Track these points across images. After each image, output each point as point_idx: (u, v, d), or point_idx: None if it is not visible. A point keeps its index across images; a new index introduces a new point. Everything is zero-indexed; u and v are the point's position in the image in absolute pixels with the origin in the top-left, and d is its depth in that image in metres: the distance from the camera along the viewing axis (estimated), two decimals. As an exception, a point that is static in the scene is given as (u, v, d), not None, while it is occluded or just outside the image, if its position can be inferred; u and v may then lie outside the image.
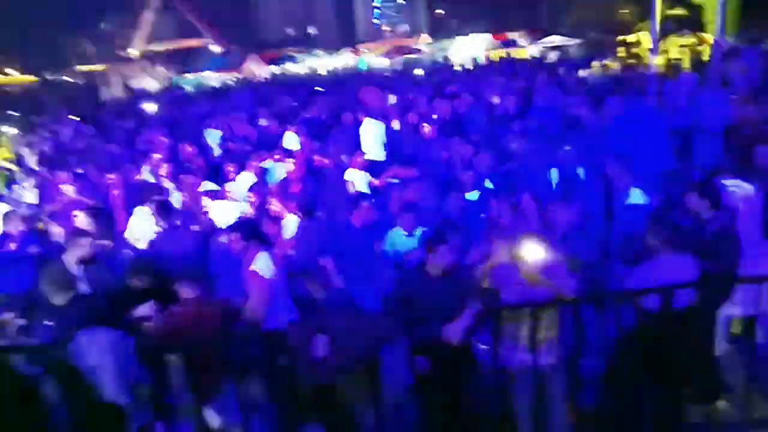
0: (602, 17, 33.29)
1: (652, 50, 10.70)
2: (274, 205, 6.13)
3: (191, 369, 3.68)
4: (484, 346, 3.90)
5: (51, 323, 3.96)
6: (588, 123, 8.47)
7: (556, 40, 29.89)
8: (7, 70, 36.87)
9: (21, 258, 5.75)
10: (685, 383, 3.67)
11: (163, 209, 5.73)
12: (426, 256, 3.83)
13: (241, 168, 7.83)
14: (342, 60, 38.18)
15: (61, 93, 27.26)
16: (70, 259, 4.77)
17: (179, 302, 3.98)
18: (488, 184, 6.29)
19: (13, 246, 5.97)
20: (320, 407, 3.83)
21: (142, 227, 6.24)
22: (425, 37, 41.32)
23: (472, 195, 6.10)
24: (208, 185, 7.28)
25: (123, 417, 3.72)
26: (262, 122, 12.03)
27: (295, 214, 5.82)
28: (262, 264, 4.37)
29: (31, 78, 33.77)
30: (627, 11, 32.96)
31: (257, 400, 4.15)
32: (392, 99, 13.61)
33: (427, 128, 8.64)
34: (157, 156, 8.70)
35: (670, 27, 19.31)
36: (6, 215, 6.38)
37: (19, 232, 6.11)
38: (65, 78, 35.28)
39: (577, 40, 29.25)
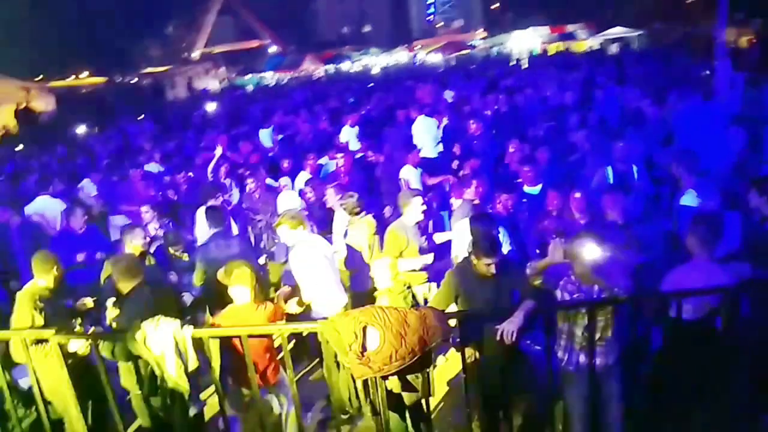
0: (667, 7, 31.93)
1: (717, 41, 10.19)
2: (329, 199, 6.23)
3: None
4: (537, 347, 3.85)
5: (118, 312, 4.19)
6: (650, 116, 8.20)
7: (617, 31, 28.89)
8: (80, 74, 38.99)
9: (88, 251, 6.09)
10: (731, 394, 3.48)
11: (213, 213, 5.91)
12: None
13: (298, 164, 8.00)
14: (396, 57, 38.26)
15: (128, 94, 28.54)
16: (129, 250, 5.02)
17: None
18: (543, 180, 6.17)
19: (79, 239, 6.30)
20: (370, 400, 3.89)
21: (201, 228, 6.47)
22: (480, 32, 40.79)
23: (533, 190, 6.00)
24: (269, 181, 7.48)
25: (184, 402, 3.90)
26: (318, 119, 12.24)
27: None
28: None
29: (101, 79, 35.47)
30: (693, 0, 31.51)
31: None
32: (448, 95, 13.57)
33: (473, 126, 8.52)
34: (217, 154, 8.98)
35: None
36: (73, 210, 6.72)
37: (85, 227, 6.44)
38: (132, 80, 36.88)
39: (640, 31, 28.20)
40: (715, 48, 10.23)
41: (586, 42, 29.16)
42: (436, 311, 3.80)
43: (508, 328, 3.31)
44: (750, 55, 16.63)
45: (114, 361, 4.08)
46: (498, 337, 3.34)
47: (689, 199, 4.95)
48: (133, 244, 5.07)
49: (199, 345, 3.72)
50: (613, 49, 23.51)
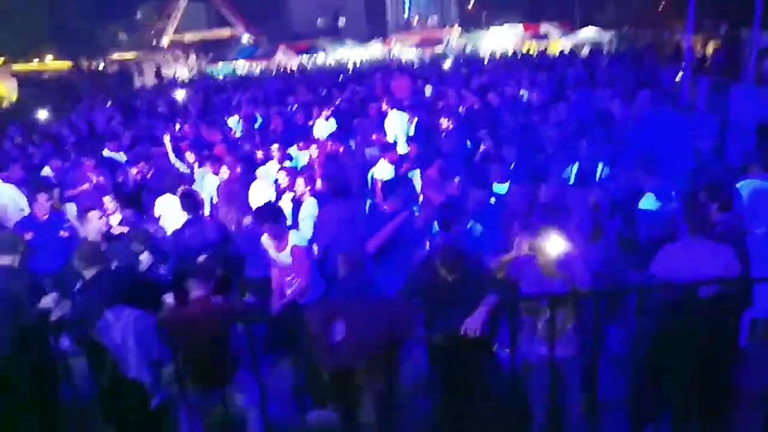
0: (638, 11, 32.53)
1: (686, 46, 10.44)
2: (298, 188, 6.25)
3: (200, 362, 3.75)
4: (505, 350, 3.87)
5: (80, 300, 4.09)
6: (618, 117, 8.34)
7: (590, 33, 29.32)
8: (44, 57, 37.79)
9: (51, 239, 5.96)
10: (704, 381, 3.61)
11: (188, 200, 5.84)
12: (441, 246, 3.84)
13: (269, 154, 7.96)
14: (371, 51, 38.14)
15: (95, 80, 27.83)
16: (89, 236, 4.93)
17: (188, 301, 4.04)
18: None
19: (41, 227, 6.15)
20: (336, 391, 3.89)
21: (169, 215, 6.40)
22: (456, 29, 40.94)
23: (501, 188, 6.07)
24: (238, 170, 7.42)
25: (144, 394, 3.83)
26: (290, 110, 12.15)
27: (314, 197, 5.98)
28: (298, 238, 4.79)
29: (66, 64, 34.48)
30: (663, 5, 32.18)
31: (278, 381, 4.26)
32: (428, 91, 13.60)
33: (445, 123, 8.60)
34: (185, 143, 8.85)
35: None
36: (36, 196, 6.55)
37: (47, 214, 6.29)
38: (99, 65, 35.95)
39: (612, 33, 28.67)
40: (682, 53, 10.48)
41: (558, 41, 29.51)
42: (403, 303, 3.83)
43: (472, 324, 3.35)
44: (715, 60, 17.11)
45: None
46: (462, 332, 3.38)
47: (648, 202, 5.07)
48: (92, 227, 4.98)
49: (162, 335, 3.66)
50: (585, 50, 23.85)
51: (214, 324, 3.88)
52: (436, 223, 4.97)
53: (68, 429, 4.00)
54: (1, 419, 3.66)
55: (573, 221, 4.43)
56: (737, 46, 15.53)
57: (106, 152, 9.28)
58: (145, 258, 5.01)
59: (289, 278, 4.91)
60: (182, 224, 5.75)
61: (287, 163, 7.75)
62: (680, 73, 10.20)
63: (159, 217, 6.60)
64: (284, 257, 4.89)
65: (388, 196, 6.78)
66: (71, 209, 7.15)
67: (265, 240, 5.02)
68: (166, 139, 8.67)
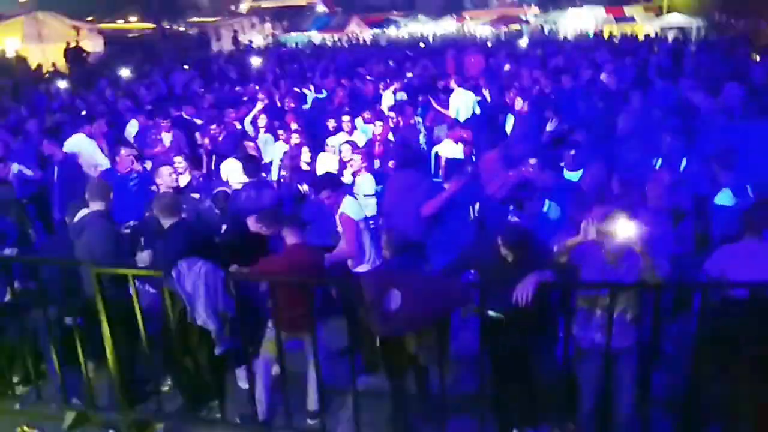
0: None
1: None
2: (354, 163, 6.32)
3: (277, 306, 3.96)
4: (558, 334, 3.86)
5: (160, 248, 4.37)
6: (702, 110, 7.95)
7: (675, 18, 27.77)
8: (130, 18, 39.39)
9: (129, 192, 6.32)
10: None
11: (249, 164, 6.02)
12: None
13: (339, 125, 8.08)
14: (444, 26, 37.57)
15: (175, 42, 28.75)
16: (162, 188, 5.22)
17: (284, 247, 4.34)
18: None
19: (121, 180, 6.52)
20: (387, 359, 4.00)
21: (234, 178, 6.62)
22: (534, 8, 39.64)
23: (573, 175, 5.91)
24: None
25: (210, 340, 4.07)
26: (360, 82, 12.22)
27: (371, 173, 6.11)
28: (351, 208, 4.84)
29: (149, 25, 35.78)
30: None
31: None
32: (506, 68, 13.35)
33: (519, 103, 8.42)
34: (258, 108, 9.08)
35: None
36: (119, 151, 6.96)
37: (128, 169, 6.67)
38: (180, 28, 37.10)
39: (700, 21, 27.06)
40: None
41: (642, 26, 28.11)
42: (458, 278, 3.87)
43: (521, 291, 3.34)
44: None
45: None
46: (513, 300, 3.37)
47: (724, 198, 4.87)
48: (163, 182, 5.26)
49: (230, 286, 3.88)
50: (670, 36, 22.65)
51: (311, 268, 4.18)
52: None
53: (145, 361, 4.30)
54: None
55: (648, 211, 4.33)
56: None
57: (184, 114, 9.64)
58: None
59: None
60: (243, 186, 5.93)
61: (357, 135, 7.83)
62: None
63: (226, 180, 6.84)
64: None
65: (451, 175, 6.74)
66: (147, 166, 7.52)
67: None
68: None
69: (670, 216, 4.66)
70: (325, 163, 6.90)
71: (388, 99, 10.05)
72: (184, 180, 6.34)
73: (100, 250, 4.29)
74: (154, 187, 5.82)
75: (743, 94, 8.45)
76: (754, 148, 5.78)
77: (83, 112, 10.63)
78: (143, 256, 4.46)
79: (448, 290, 3.59)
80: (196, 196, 5.95)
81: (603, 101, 8.87)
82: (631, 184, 4.84)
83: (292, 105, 9.95)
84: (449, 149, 7.40)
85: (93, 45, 24.36)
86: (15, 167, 7.22)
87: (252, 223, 4.76)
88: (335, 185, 5.07)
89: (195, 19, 38.97)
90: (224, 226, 5.28)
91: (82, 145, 7.67)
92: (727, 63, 13.01)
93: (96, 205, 4.56)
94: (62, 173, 6.98)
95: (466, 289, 3.60)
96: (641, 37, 23.00)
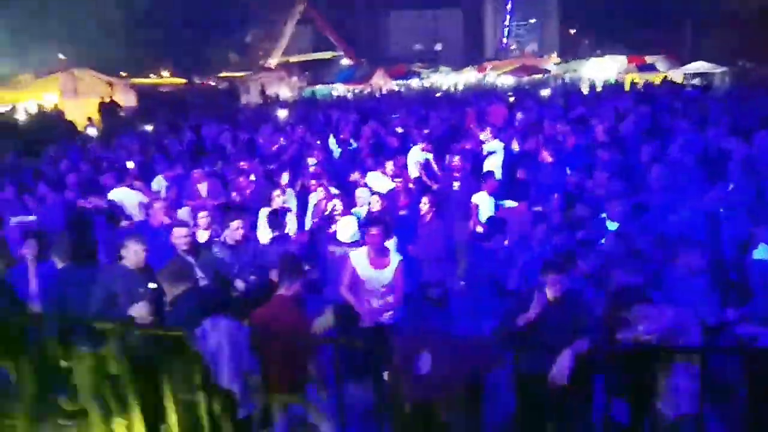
0: (752, 44, 30.45)
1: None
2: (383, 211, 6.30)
3: (288, 365, 3.85)
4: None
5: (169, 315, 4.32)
6: (734, 157, 7.79)
7: (699, 66, 27.82)
8: (162, 73, 41.03)
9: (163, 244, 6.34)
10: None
11: (273, 217, 6.05)
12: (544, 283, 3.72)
13: (363, 176, 8.11)
14: (466, 77, 38.20)
15: (205, 96, 29.70)
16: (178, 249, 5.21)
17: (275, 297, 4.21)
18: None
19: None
20: (418, 424, 3.84)
21: (263, 231, 6.64)
22: (555, 57, 40.22)
23: (611, 225, 5.76)
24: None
25: (234, 404, 3.96)
26: (383, 134, 12.34)
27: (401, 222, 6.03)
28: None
29: (181, 81, 37.14)
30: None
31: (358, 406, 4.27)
32: (519, 116, 13.39)
33: (545, 155, 8.37)
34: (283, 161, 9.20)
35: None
36: (148, 206, 7.05)
37: (162, 221, 6.72)
38: (210, 83, 38.42)
39: (724, 68, 27.06)
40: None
41: (665, 74, 28.19)
42: (491, 341, 3.74)
43: (558, 372, 3.23)
44: None
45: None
46: (550, 381, 3.26)
47: (762, 252, 4.70)
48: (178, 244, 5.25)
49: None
50: (695, 84, 22.65)
51: (295, 323, 4.03)
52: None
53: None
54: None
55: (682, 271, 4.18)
56: None
57: (218, 166, 9.79)
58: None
59: (381, 299, 4.92)
60: (269, 240, 5.95)
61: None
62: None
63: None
64: (379, 274, 4.92)
65: (492, 234, 6.43)
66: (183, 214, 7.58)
67: (357, 257, 5.07)
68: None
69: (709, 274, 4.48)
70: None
71: (415, 154, 9.90)
72: (203, 236, 6.35)
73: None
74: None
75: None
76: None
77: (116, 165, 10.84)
78: (138, 308, 4.38)
79: (480, 352, 3.47)
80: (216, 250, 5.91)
81: (623, 150, 8.74)
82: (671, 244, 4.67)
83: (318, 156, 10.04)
84: (484, 201, 7.26)
85: (126, 99, 25.26)
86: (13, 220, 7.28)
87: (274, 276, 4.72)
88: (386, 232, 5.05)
89: (225, 74, 40.33)
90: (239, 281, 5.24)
91: (126, 197, 7.82)
92: (754, 110, 12.86)
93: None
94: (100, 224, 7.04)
95: (499, 352, 3.47)
96: (663, 84, 23.02)
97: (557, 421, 3.61)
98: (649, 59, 32.02)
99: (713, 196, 5.94)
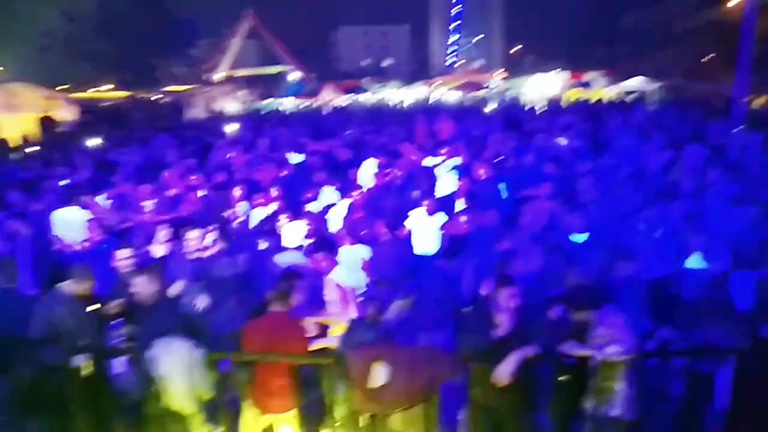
0: (687, 62, 32.22)
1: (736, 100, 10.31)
2: (332, 231, 6.36)
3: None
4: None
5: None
6: (661, 170, 8.24)
7: (637, 83, 29.15)
8: (104, 87, 39.81)
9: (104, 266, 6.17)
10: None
11: (222, 233, 6.01)
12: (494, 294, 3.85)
13: (315, 192, 8.12)
14: (415, 92, 38.80)
15: (149, 110, 29.05)
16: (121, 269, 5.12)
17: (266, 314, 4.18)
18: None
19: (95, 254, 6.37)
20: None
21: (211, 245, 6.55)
22: (500, 73, 41.37)
23: (580, 237, 5.98)
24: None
25: (187, 423, 3.91)
26: (333, 149, 12.38)
27: (351, 242, 6.07)
28: (340, 276, 4.88)
29: (124, 94, 36.16)
30: (713, 56, 31.77)
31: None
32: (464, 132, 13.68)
33: (482, 171, 8.61)
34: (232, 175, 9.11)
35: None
36: (90, 222, 6.84)
37: (100, 239, 6.54)
38: (154, 96, 37.58)
39: (660, 84, 28.45)
40: (731, 107, 10.35)
41: (604, 90, 29.45)
42: (446, 350, 3.84)
43: (501, 371, 3.37)
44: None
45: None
46: (492, 380, 3.38)
47: (696, 261, 4.97)
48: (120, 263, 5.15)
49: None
50: (630, 99, 23.75)
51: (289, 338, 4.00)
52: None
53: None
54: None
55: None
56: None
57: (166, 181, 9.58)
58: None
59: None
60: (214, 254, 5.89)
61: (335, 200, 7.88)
62: (739, 128, 10.00)
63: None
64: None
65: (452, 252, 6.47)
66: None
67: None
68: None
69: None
70: (296, 230, 6.83)
71: (369, 167, 9.97)
72: (159, 251, 6.25)
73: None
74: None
75: (706, 154, 8.80)
76: (722, 211, 5.97)
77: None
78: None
79: (437, 362, 3.55)
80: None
81: (562, 165, 9.08)
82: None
83: (267, 172, 9.99)
84: (420, 219, 7.34)
85: (68, 114, 24.39)
86: None
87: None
88: (329, 249, 5.09)
89: (169, 88, 39.55)
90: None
91: (72, 217, 7.54)
92: (683, 124, 13.63)
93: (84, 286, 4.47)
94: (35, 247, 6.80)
95: (455, 360, 3.57)
96: (601, 101, 24.07)
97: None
98: (589, 76, 33.39)
99: (649, 209, 6.23)
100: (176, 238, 6.56)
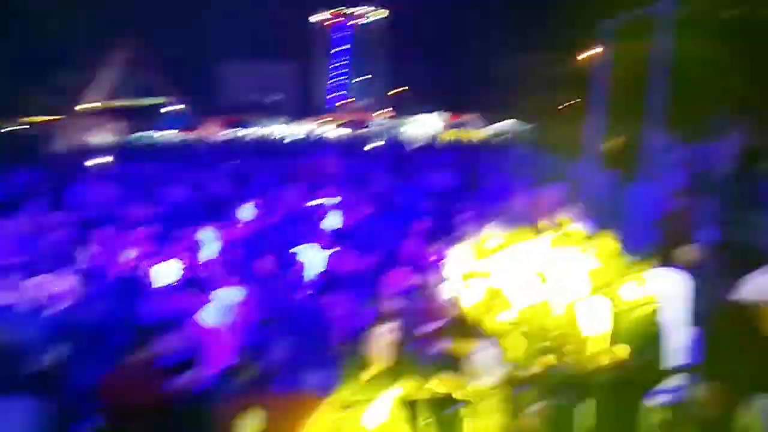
0: (557, 104, 35.06)
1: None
2: (207, 269, 6.15)
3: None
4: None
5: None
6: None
7: (509, 124, 31.36)
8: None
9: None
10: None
11: (85, 274, 5.66)
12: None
13: (190, 230, 7.79)
14: (299, 129, 38.98)
15: (13, 142, 26.62)
16: None
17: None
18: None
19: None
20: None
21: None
22: (385, 112, 42.74)
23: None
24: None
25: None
26: (211, 185, 12.05)
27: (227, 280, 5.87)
28: (209, 314, 4.75)
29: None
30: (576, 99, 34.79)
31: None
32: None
33: (363, 208, 8.85)
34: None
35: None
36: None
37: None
38: (19, 128, 34.56)
39: (529, 126, 30.74)
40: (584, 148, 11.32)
41: (478, 131, 31.40)
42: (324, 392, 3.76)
43: None
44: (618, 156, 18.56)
45: None
46: None
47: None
48: None
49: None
50: (499, 140, 25.49)
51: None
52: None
53: None
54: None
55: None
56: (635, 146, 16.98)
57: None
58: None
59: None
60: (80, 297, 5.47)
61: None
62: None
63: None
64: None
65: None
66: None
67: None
68: None
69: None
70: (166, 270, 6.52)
71: (248, 204, 9.72)
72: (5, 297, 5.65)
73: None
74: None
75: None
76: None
77: None
78: None
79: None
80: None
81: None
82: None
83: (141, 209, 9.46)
84: (314, 254, 7.27)
85: None
86: None
87: None
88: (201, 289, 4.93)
89: (35, 118, 36.63)
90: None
91: None
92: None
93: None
94: None
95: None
96: (475, 141, 25.66)
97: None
98: (466, 117, 35.48)
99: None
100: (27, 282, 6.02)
